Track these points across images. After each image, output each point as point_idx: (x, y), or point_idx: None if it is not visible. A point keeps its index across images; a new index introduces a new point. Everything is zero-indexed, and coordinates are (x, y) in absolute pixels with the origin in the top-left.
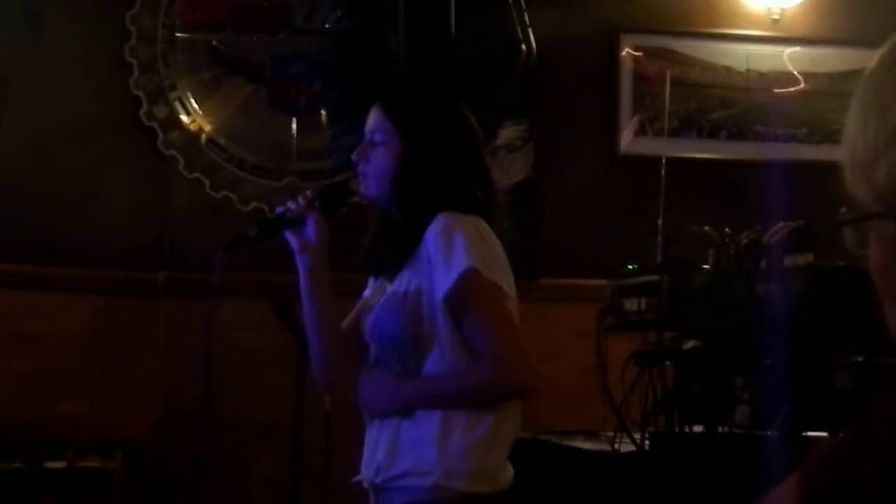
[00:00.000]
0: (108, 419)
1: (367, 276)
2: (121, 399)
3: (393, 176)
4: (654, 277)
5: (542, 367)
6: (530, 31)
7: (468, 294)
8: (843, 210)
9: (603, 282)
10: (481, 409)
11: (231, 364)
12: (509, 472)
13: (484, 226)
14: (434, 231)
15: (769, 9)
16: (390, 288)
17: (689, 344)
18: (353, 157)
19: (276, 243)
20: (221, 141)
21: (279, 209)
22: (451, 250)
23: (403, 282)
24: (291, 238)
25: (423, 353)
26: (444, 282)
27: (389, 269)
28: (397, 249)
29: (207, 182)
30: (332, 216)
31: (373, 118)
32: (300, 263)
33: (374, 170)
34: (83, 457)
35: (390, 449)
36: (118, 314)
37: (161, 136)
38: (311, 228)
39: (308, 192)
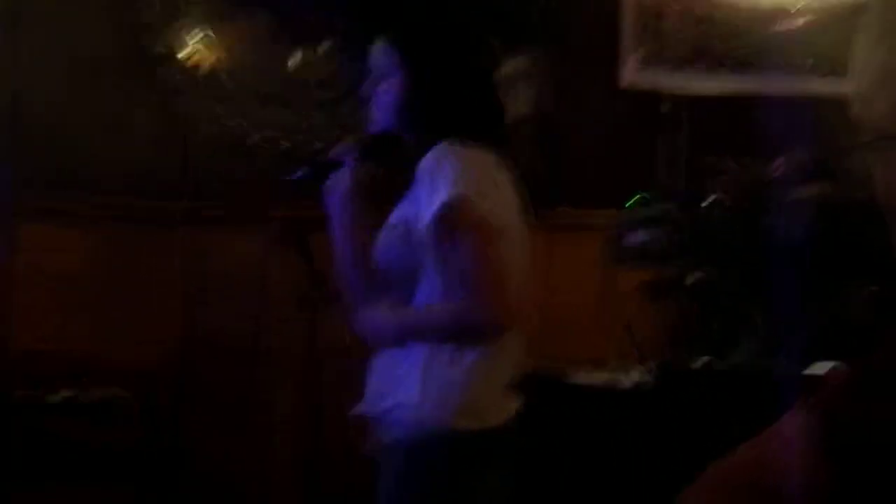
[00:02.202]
0: (124, 349)
1: None
2: (137, 329)
3: (398, 108)
4: (664, 208)
5: (549, 298)
6: None
7: (447, 224)
8: (851, 136)
9: (612, 211)
10: (464, 344)
11: (251, 296)
12: (505, 409)
13: (479, 156)
14: (426, 160)
15: None
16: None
17: (700, 275)
18: (362, 92)
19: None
20: (235, 71)
21: (328, 156)
22: (438, 179)
23: (397, 214)
24: (328, 188)
25: (413, 283)
26: (428, 210)
27: (396, 200)
28: (400, 180)
29: (222, 112)
30: (380, 165)
31: (378, 52)
32: (337, 205)
33: (381, 103)
34: (99, 386)
35: (383, 381)
36: (136, 244)
37: (175, 66)
38: (347, 174)
39: (351, 140)
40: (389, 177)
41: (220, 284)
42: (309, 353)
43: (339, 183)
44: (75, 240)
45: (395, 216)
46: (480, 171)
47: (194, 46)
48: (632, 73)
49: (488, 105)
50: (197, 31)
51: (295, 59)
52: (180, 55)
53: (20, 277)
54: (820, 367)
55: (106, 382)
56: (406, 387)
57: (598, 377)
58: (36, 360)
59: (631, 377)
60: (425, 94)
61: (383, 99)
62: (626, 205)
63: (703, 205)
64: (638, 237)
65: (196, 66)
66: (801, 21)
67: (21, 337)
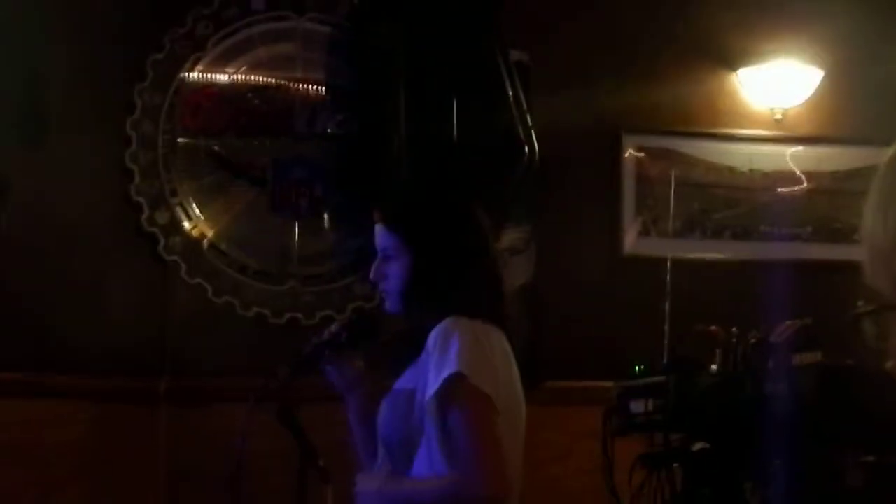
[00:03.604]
0: None
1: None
2: None
3: (406, 289)
4: (661, 378)
5: (549, 469)
6: (533, 132)
7: (452, 398)
8: (860, 303)
9: (609, 383)
10: None
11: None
12: None
13: (487, 331)
14: (434, 333)
15: (771, 108)
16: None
17: (698, 446)
18: (371, 277)
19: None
20: (223, 246)
21: (311, 346)
22: (445, 352)
23: (402, 382)
24: (336, 380)
25: (411, 452)
26: (433, 383)
27: (398, 370)
28: (406, 352)
29: (210, 288)
30: (364, 347)
31: (378, 234)
32: (347, 400)
33: (392, 286)
34: None
35: None
36: (119, 422)
37: (162, 241)
38: (349, 369)
39: (335, 326)
40: (378, 353)
41: (206, 461)
42: None
43: (336, 378)
44: (57, 417)
45: (400, 384)
46: (485, 346)
47: (185, 223)
48: (632, 242)
49: (490, 281)
50: (187, 206)
51: (289, 235)
52: (170, 231)
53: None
54: None
55: None
56: None
57: None
58: None
59: None
60: (431, 275)
61: (393, 282)
62: (626, 374)
63: (703, 373)
64: (637, 407)
65: (186, 242)
66: (799, 188)
67: None
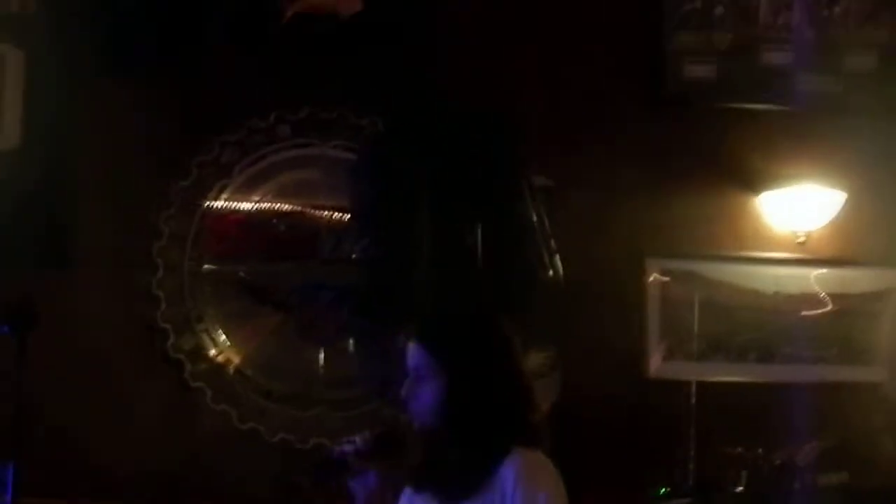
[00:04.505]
0: None
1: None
2: None
3: (443, 410)
4: (687, 501)
5: None
6: (557, 257)
7: None
8: (879, 418)
9: None
10: None
11: None
12: None
13: (549, 463)
14: (514, 472)
15: (794, 232)
16: None
17: None
18: (402, 394)
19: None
20: (249, 372)
21: (336, 452)
22: (534, 493)
23: None
24: (356, 489)
25: None
26: None
27: (446, 494)
28: (464, 480)
29: (234, 413)
30: (390, 463)
31: (412, 354)
32: None
33: (423, 406)
34: None
35: None
36: None
37: (188, 367)
38: (372, 479)
39: (366, 436)
40: (402, 473)
41: None
42: None
43: (369, 488)
44: None
45: None
46: (559, 482)
47: (210, 349)
48: (657, 365)
49: (530, 398)
50: (213, 332)
51: (315, 360)
52: (196, 357)
53: None
54: None
55: None
56: None
57: None
58: None
59: None
60: (466, 396)
61: (424, 402)
62: (650, 497)
63: (728, 495)
64: None
65: (211, 368)
66: (823, 310)
67: None
